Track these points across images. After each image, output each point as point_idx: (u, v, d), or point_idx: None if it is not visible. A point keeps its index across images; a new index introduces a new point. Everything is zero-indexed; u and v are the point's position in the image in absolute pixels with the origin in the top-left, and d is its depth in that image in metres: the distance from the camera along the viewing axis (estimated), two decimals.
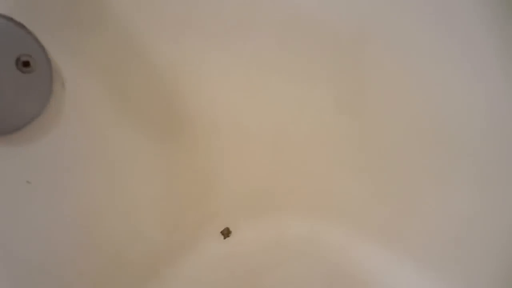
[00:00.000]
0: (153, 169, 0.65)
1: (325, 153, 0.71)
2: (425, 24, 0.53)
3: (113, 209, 0.62)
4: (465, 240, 0.59)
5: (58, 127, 0.53)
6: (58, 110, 0.52)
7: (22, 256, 0.53)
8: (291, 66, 0.67)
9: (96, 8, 0.52)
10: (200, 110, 0.67)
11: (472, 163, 0.56)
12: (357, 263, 0.69)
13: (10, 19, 0.46)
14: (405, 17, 0.54)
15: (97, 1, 0.52)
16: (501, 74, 0.49)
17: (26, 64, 0.48)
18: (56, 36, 0.50)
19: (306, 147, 0.72)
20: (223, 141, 0.70)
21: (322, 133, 0.70)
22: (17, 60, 0.47)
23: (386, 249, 0.68)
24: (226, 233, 0.74)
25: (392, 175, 0.66)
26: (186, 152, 0.68)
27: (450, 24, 0.51)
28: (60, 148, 0.54)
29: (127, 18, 0.55)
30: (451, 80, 0.54)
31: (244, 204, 0.75)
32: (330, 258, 0.70)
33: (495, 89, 0.51)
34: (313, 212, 0.73)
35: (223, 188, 0.73)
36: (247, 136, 0.71)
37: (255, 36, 0.61)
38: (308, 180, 0.72)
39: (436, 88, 0.56)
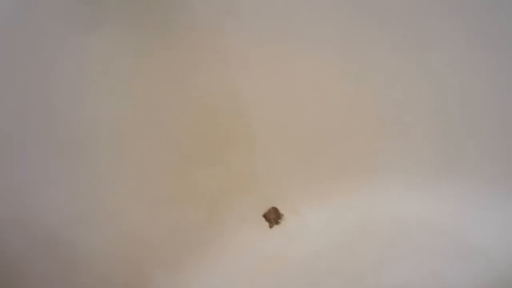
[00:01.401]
0: (115, 80, 0.47)
1: None
2: None
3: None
4: None
5: None
6: None
7: None
8: None
9: None
10: None
11: None
12: None
13: None
14: None
15: None
16: None
17: None
18: None
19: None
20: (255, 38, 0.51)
21: None
22: None
23: None
24: (273, 217, 0.58)
25: None
26: (185, 52, 0.49)
27: None
28: None
29: None
30: None
31: (302, 167, 0.57)
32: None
33: None
34: (418, 185, 0.56)
35: (261, 133, 0.56)
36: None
37: None
38: (406, 127, 0.56)
39: None
